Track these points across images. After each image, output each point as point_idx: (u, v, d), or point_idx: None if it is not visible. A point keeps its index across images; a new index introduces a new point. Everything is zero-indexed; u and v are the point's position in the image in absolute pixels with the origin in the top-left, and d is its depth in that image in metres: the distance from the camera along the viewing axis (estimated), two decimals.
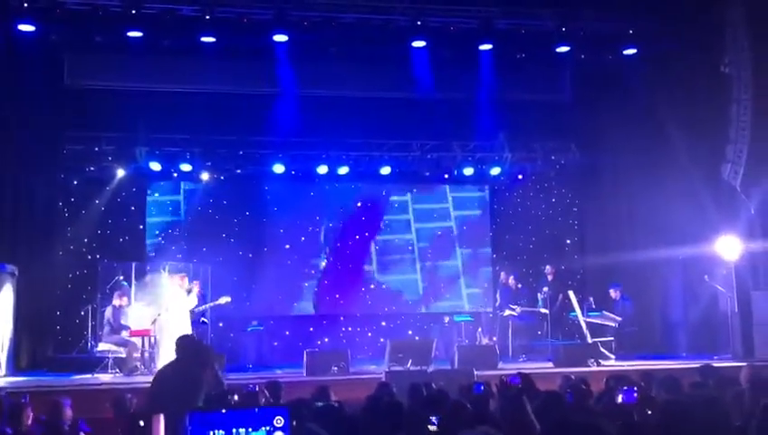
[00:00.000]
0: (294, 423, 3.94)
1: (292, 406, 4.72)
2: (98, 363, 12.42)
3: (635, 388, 5.79)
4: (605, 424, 3.32)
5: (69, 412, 6.91)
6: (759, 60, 12.96)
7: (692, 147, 13.60)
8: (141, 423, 5.70)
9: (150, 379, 11.48)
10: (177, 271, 13.06)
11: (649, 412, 5.10)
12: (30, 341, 13.82)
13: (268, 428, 3.85)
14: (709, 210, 13.52)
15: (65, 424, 6.72)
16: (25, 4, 12.03)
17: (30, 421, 6.72)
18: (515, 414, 4.81)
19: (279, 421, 3.88)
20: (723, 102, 13.37)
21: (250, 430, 3.82)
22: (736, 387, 6.48)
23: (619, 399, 5.56)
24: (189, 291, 12.72)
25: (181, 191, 15.58)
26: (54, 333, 14.23)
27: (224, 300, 13.16)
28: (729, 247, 13.13)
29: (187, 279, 12.84)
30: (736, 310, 13.13)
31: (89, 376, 12.00)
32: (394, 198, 16.42)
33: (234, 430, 3.79)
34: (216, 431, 3.76)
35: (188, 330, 12.37)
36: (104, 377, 11.97)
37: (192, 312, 12.87)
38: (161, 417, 5.20)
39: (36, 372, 12.94)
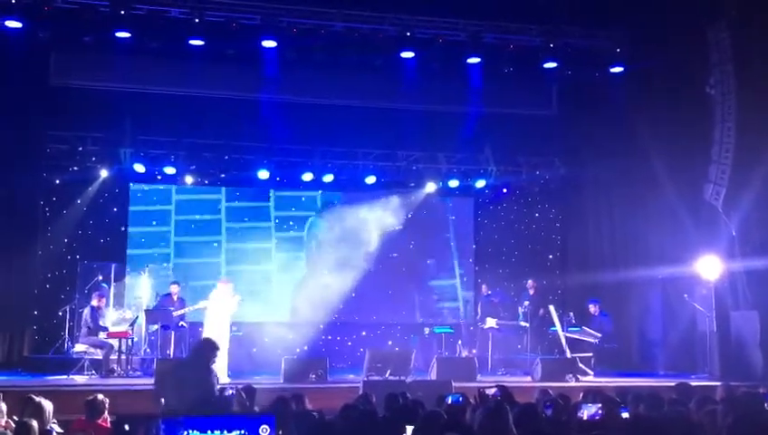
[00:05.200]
0: (280, 432, 3.80)
1: (276, 412, 4.66)
2: (74, 364, 12.34)
3: (600, 405, 5.80)
4: None
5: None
6: (743, 83, 13.08)
7: (675, 166, 13.71)
8: (126, 427, 5.62)
9: (127, 381, 11.55)
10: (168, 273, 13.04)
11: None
12: (6, 340, 13.69)
13: (243, 431, 3.71)
14: (690, 230, 13.62)
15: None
16: (13, 0, 11.96)
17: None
18: (495, 423, 4.80)
19: (264, 430, 3.72)
20: (706, 123, 13.48)
21: (225, 432, 3.68)
22: (711, 406, 6.50)
23: (585, 416, 5.55)
24: (232, 296, 12.55)
25: (171, 195, 15.55)
26: (31, 333, 14.09)
27: (203, 304, 13.08)
28: (709, 267, 13.22)
29: (231, 284, 12.72)
30: (715, 330, 13.20)
31: (64, 377, 11.91)
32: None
33: (209, 432, 3.65)
34: (191, 431, 3.64)
35: (227, 333, 12.24)
36: (80, 378, 11.88)
37: (172, 315, 12.83)
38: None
39: (11, 371, 12.80)
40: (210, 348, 8.36)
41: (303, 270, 15.88)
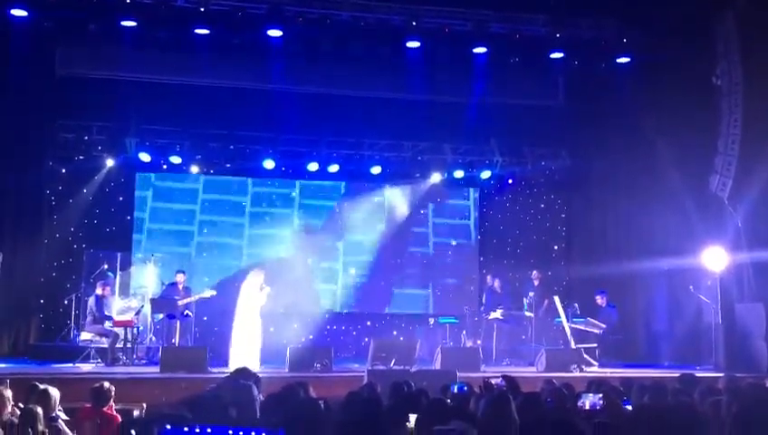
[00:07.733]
0: None
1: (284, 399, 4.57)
2: (80, 353, 12.40)
3: (600, 395, 5.80)
4: (579, 422, 3.33)
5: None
6: (750, 73, 13.02)
7: (681, 157, 13.67)
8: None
9: (132, 369, 11.59)
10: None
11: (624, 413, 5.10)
12: (12, 328, 13.76)
13: None
14: (696, 221, 13.59)
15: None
16: None
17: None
18: (498, 410, 4.81)
19: None
20: (712, 114, 13.43)
21: None
22: (715, 396, 6.49)
23: (586, 405, 5.55)
24: (262, 288, 12.47)
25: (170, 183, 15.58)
26: (37, 321, 14.17)
27: (208, 293, 13.13)
28: (715, 259, 13.18)
29: (263, 275, 12.67)
30: (720, 321, 13.17)
31: (70, 365, 11.97)
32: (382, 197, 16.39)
33: None
34: None
35: (258, 323, 12.24)
36: (85, 366, 11.94)
37: (179, 304, 12.86)
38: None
39: (17, 359, 12.87)
40: (248, 375, 7.75)
41: (308, 259, 15.88)
